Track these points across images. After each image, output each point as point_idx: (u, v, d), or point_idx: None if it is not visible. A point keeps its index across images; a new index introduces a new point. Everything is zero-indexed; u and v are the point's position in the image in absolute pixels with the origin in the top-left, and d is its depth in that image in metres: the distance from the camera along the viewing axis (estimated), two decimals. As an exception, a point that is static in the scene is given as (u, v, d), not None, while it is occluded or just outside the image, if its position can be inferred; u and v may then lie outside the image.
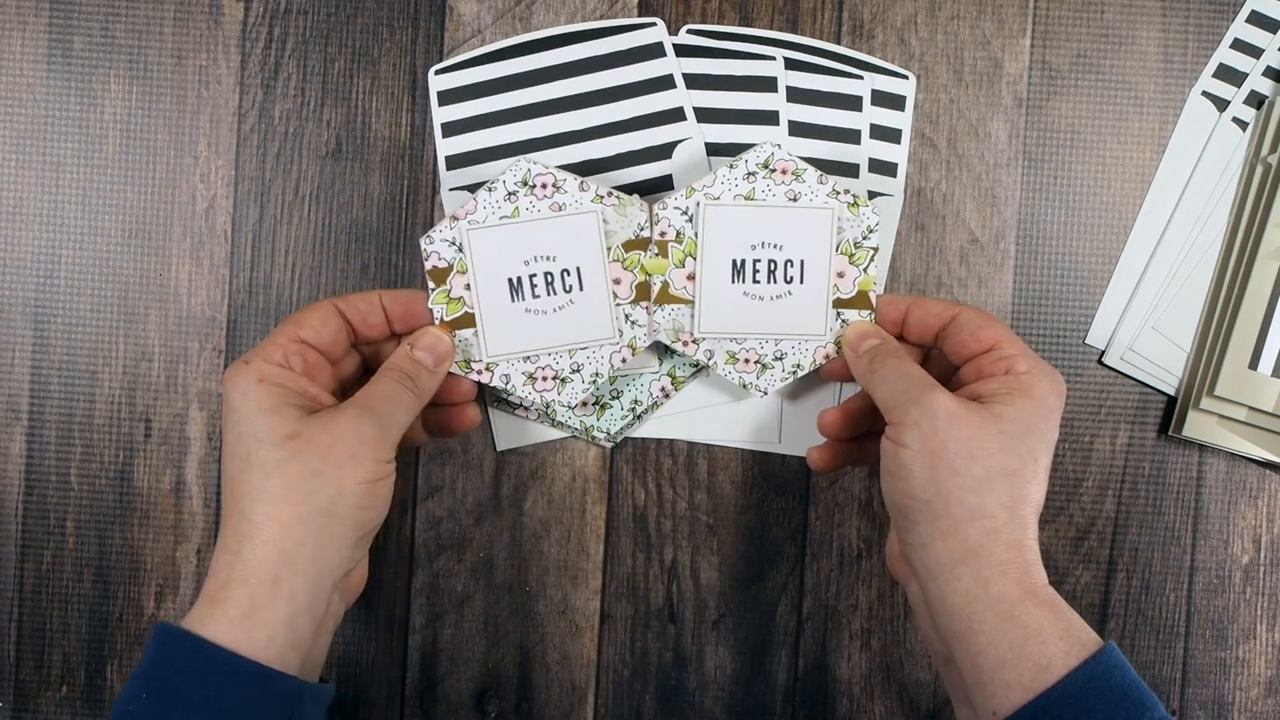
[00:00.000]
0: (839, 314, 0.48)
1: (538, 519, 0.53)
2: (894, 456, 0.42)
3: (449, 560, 0.53)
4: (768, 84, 0.51)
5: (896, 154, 0.52)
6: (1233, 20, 0.52)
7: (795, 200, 0.47)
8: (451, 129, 0.52)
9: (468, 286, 0.47)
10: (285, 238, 0.52)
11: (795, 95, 0.51)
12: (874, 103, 0.52)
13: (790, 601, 0.53)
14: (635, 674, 0.53)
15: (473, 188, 0.51)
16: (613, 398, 0.51)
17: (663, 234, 0.47)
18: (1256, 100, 0.52)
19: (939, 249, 0.52)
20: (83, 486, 0.52)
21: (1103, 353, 0.52)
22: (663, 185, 0.51)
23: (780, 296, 0.47)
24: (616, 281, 0.47)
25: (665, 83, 0.51)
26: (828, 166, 0.51)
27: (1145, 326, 0.52)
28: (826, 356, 0.48)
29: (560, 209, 0.47)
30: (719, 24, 0.52)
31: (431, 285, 0.47)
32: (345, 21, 0.52)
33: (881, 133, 0.52)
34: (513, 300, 0.47)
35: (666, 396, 0.51)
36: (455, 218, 0.47)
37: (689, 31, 0.52)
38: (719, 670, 0.53)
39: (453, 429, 0.49)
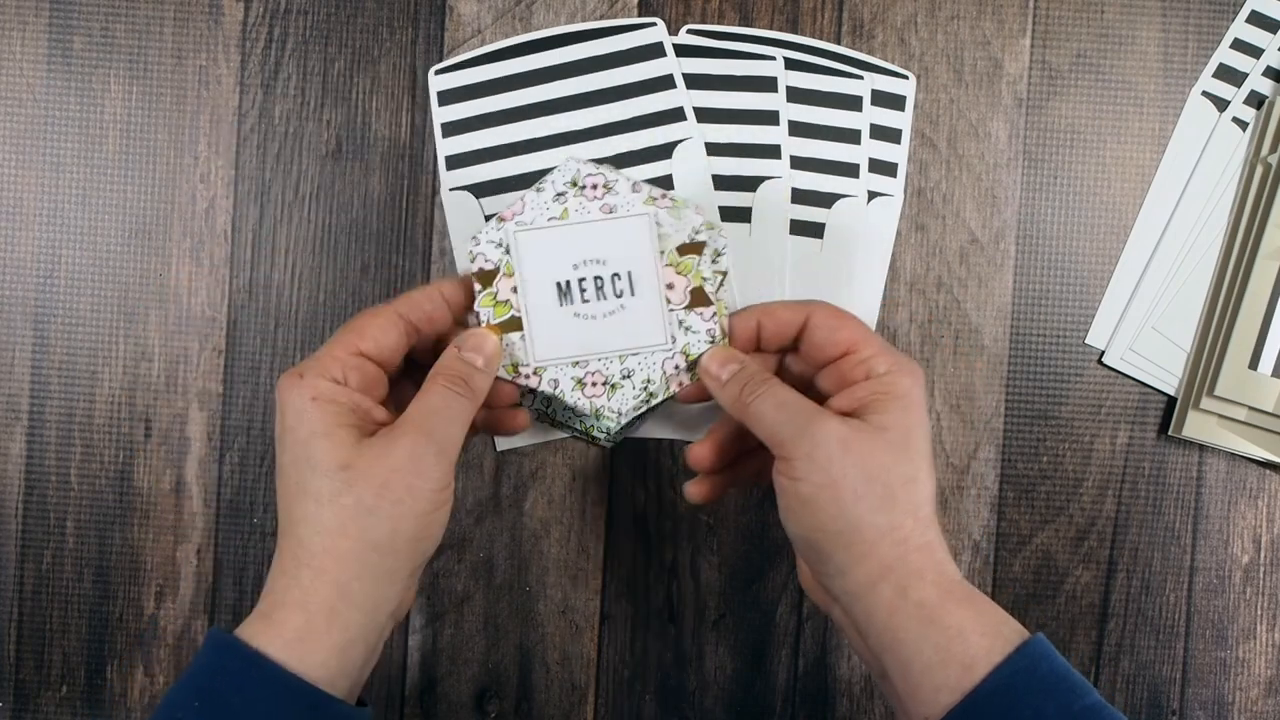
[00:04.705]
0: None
1: (538, 519, 0.53)
2: (794, 494, 0.41)
3: (449, 560, 0.53)
4: (768, 84, 0.51)
5: (896, 154, 0.52)
6: (1233, 20, 0.52)
7: (612, 212, 0.46)
8: (451, 129, 0.51)
9: (514, 289, 0.46)
10: (285, 238, 0.52)
11: (795, 95, 0.51)
12: (874, 103, 0.52)
13: (790, 601, 0.53)
14: (635, 674, 0.53)
15: (473, 188, 0.51)
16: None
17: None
18: (1256, 100, 0.52)
19: (939, 249, 0.52)
20: (83, 486, 0.52)
21: (1103, 353, 0.52)
22: (663, 185, 0.51)
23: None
24: (669, 286, 0.46)
25: (665, 83, 0.51)
26: (828, 166, 0.51)
27: (1145, 326, 0.52)
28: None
29: (611, 211, 0.46)
30: (719, 24, 0.52)
31: (478, 288, 0.46)
32: (345, 21, 0.52)
33: (881, 133, 0.52)
34: (561, 304, 0.46)
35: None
36: (502, 219, 0.46)
37: (689, 31, 0.52)
38: (719, 670, 0.53)
39: (501, 430, 0.48)
